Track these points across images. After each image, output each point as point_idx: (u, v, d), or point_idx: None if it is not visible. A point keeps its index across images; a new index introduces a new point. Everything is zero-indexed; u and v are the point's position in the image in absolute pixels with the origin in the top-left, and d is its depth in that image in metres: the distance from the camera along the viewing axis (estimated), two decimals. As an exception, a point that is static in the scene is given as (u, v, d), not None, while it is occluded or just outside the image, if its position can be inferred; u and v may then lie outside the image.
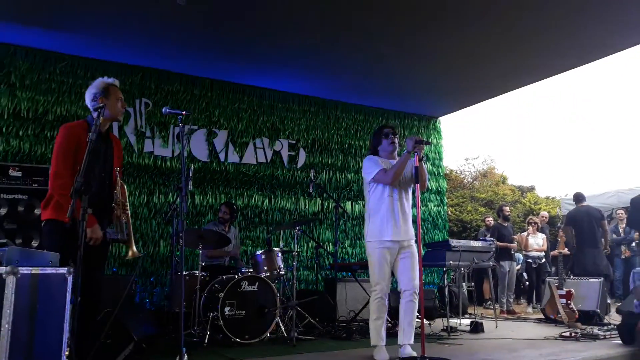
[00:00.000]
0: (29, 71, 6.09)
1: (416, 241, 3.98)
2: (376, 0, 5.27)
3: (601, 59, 6.79)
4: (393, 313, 5.70)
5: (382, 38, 6.09)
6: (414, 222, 4.02)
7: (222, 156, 7.13)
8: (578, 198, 7.98)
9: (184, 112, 3.84)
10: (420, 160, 3.87)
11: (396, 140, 4.22)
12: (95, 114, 3.29)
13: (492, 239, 8.07)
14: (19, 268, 2.48)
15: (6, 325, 2.35)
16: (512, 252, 8.28)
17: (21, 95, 6.01)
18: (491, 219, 10.53)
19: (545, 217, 10.21)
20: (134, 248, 3.44)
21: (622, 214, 9.69)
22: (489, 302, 9.55)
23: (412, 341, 3.89)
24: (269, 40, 6.11)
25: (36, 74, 6.12)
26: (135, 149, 6.56)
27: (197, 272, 5.07)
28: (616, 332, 5.09)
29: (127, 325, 3.51)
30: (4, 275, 2.42)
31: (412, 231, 4.08)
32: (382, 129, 4.28)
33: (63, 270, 2.74)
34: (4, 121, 5.88)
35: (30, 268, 2.57)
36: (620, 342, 4.82)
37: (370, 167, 4.09)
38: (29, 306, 2.52)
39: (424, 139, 3.95)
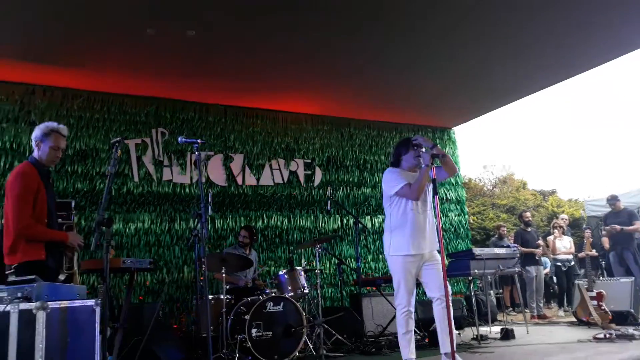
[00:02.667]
0: (47, 109, 6.25)
1: (439, 251, 3.95)
2: (386, 15, 5.31)
3: (618, 58, 6.73)
4: (422, 325, 5.68)
5: (392, 52, 6.13)
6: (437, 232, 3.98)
7: (239, 179, 7.20)
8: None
9: (199, 141, 3.88)
10: (444, 156, 3.88)
11: (421, 154, 4.14)
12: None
13: (516, 245, 7.99)
14: (49, 303, 2.53)
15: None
16: (537, 257, 8.17)
17: (41, 133, 6.15)
18: (504, 227, 10.38)
19: (565, 220, 10.04)
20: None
21: (647, 211, 9.53)
22: (510, 309, 9.43)
23: (449, 350, 3.82)
24: (278, 65, 6.20)
25: (54, 110, 6.27)
26: (154, 177, 6.66)
27: (222, 296, 5.09)
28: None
29: (157, 352, 3.54)
30: (34, 311, 2.47)
31: (436, 241, 4.03)
32: (409, 140, 4.12)
33: (91, 302, 2.79)
34: (26, 158, 6.01)
35: (59, 302, 2.62)
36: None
37: (393, 180, 3.99)
38: (60, 340, 2.56)
39: (440, 151, 3.89)
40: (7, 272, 3.24)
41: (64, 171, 6.18)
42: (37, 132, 3.51)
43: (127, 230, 6.33)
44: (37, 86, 6.25)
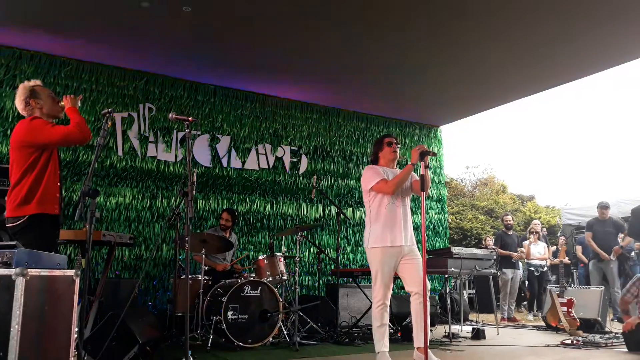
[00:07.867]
0: (33, 75, 6.10)
1: (420, 247, 4.00)
2: (379, 11, 5.31)
3: (602, 71, 6.84)
4: (395, 319, 5.74)
5: (385, 48, 6.14)
6: (418, 229, 4.02)
7: (224, 161, 7.16)
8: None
9: (190, 119, 3.83)
10: (427, 167, 3.90)
11: (397, 150, 4.27)
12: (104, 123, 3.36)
13: (494, 247, 8.10)
14: (28, 270, 2.49)
15: (16, 326, 2.36)
16: (514, 260, 8.30)
17: (26, 98, 6.03)
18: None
19: (537, 225, 10.16)
20: None
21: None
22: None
23: (422, 345, 3.87)
24: (272, 48, 6.16)
25: (41, 77, 6.12)
26: (138, 153, 6.58)
27: (200, 276, 5.08)
28: (618, 340, 5.12)
29: (132, 328, 3.52)
30: (13, 277, 2.44)
31: (413, 236, 4.10)
32: (384, 137, 4.34)
33: (71, 272, 2.75)
34: (9, 124, 5.90)
35: (39, 270, 2.58)
36: (624, 350, 4.84)
37: (370, 176, 4.11)
38: (38, 308, 2.53)
39: (430, 150, 3.94)
40: (12, 225, 3.20)
41: (46, 139, 6.06)
42: (24, 95, 3.42)
43: (108, 204, 6.26)
44: (24, 51, 6.12)
